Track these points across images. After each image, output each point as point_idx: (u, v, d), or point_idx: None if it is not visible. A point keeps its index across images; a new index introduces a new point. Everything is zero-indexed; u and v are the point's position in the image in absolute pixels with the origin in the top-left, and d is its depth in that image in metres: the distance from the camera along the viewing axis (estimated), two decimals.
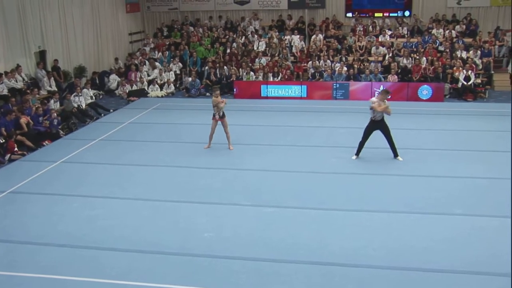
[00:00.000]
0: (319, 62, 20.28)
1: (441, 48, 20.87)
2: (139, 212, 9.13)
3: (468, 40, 21.49)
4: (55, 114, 14.73)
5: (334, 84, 18.57)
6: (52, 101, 16.02)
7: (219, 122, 12.55)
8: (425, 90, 18.04)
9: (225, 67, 20.72)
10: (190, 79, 20.28)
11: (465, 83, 18.38)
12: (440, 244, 7.72)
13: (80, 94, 16.96)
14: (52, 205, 9.50)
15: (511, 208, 8.46)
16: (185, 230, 8.34)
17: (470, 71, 18.50)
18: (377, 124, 11.51)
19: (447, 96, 18.58)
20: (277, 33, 23.14)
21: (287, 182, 10.45)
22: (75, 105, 16.37)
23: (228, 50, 22.35)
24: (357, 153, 11.73)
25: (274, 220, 8.68)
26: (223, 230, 8.31)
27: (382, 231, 8.18)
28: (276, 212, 8.98)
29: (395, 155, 11.66)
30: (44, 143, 13.76)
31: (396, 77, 19.04)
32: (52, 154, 12.72)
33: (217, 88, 12.75)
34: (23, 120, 13.87)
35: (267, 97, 18.86)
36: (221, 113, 12.44)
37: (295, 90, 18.86)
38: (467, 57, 19.68)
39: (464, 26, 22.38)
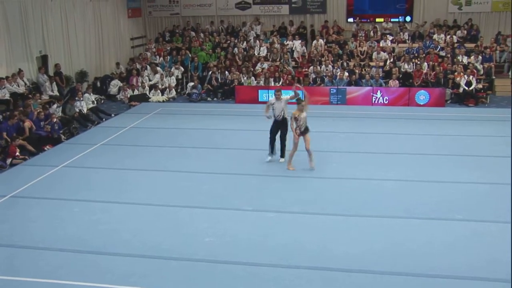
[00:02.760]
0: (320, 67, 20.31)
1: (442, 53, 20.89)
2: (140, 216, 9.13)
3: (469, 45, 21.52)
4: (55, 119, 14.72)
5: (332, 89, 18.56)
6: (54, 106, 16.04)
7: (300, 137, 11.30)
8: (422, 95, 18.03)
9: (226, 72, 20.75)
10: (193, 83, 20.32)
11: (466, 88, 18.39)
12: (441, 249, 7.71)
13: (81, 98, 17.00)
14: (53, 209, 9.51)
15: (511, 213, 8.45)
16: (186, 235, 8.34)
17: (471, 76, 18.50)
18: (279, 124, 11.77)
19: (448, 101, 18.58)
20: (278, 38, 23.21)
21: (288, 187, 10.46)
22: (77, 109, 16.40)
23: (230, 55, 22.38)
24: (272, 152, 11.89)
25: (275, 225, 8.68)
26: (224, 235, 8.31)
27: (384, 236, 8.17)
28: (277, 217, 8.97)
29: (282, 155, 11.91)
30: (45, 148, 13.76)
31: (397, 82, 19.05)
32: (53, 158, 12.74)
33: (300, 99, 11.43)
34: (27, 124, 13.90)
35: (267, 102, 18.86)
36: (302, 128, 11.15)
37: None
38: (469, 62, 19.70)
39: (465, 32, 22.43)
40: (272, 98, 11.99)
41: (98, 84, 20.75)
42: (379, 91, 18.29)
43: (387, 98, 18.21)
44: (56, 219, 9.08)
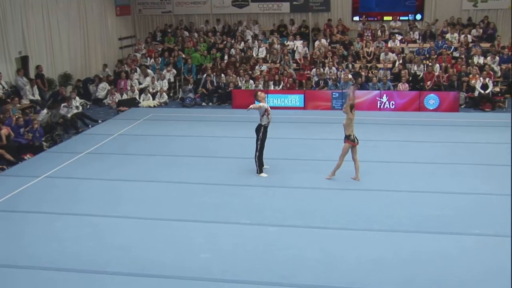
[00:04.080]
0: (323, 70, 20.38)
1: (456, 54, 20.98)
2: (130, 231, 9.13)
3: (485, 45, 21.62)
4: (37, 126, 14.70)
5: (334, 94, 18.58)
6: (44, 111, 16.04)
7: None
8: (432, 100, 18.08)
9: (222, 75, 20.80)
10: (189, 87, 20.36)
11: (482, 91, 18.45)
12: (455, 266, 7.73)
13: (70, 106, 16.99)
14: (34, 224, 9.50)
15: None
16: (180, 251, 8.34)
17: (487, 79, 18.57)
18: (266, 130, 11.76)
19: (462, 106, 18.64)
20: (278, 38, 23.30)
21: (289, 199, 10.48)
22: (62, 113, 16.38)
23: (226, 57, 22.47)
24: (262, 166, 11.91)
25: (275, 239, 8.69)
26: (221, 251, 8.33)
27: (393, 252, 8.19)
28: (278, 231, 8.99)
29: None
30: (25, 157, 13.77)
31: (407, 85, 19.12)
32: (34, 168, 12.74)
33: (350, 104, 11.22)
34: (4, 131, 13.89)
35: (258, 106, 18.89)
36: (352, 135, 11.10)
37: (292, 99, 18.92)
38: (485, 64, 19.77)
39: (481, 30, 22.53)
40: (263, 104, 11.58)
41: (81, 87, 20.76)
42: (385, 95, 18.31)
43: (393, 103, 18.26)
44: (36, 234, 9.06)
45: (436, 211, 9.66)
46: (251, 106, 11.63)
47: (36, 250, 8.49)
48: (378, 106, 18.33)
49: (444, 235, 8.72)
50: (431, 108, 18.03)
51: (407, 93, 18.60)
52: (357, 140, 11.19)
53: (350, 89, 11.99)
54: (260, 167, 11.83)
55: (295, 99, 18.91)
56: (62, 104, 16.79)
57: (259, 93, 11.96)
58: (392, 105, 18.27)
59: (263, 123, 11.59)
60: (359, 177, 11.33)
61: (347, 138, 11.14)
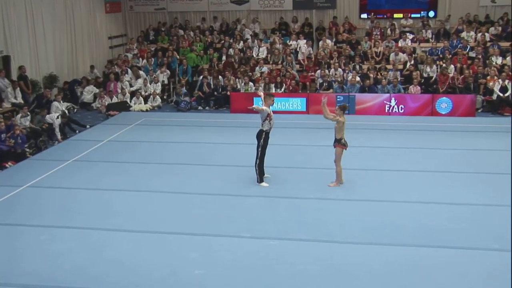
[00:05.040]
0: (328, 71, 20.40)
1: (472, 54, 21.00)
2: (119, 245, 9.11)
3: (504, 44, 21.62)
4: (18, 132, 14.68)
5: (338, 97, 18.54)
6: (19, 115, 16.05)
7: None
8: (444, 103, 18.09)
9: (219, 76, 20.82)
10: (183, 90, 20.42)
11: (501, 94, 18.48)
12: (474, 285, 7.68)
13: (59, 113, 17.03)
14: (15, 237, 9.47)
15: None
16: (173, 267, 8.32)
17: (507, 81, 18.59)
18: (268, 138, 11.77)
19: (479, 110, 18.66)
20: (280, 37, 23.33)
21: (292, 210, 10.47)
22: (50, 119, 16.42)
23: (224, 57, 22.50)
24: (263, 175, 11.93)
25: (278, 254, 8.67)
26: (218, 267, 8.30)
27: (404, 267, 8.16)
28: (280, 245, 8.96)
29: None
30: (6, 165, 13.78)
31: (418, 88, 19.14)
32: (16, 177, 12.73)
33: (344, 105, 11.70)
34: None
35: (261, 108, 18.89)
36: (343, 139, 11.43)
37: (294, 103, 18.94)
38: (504, 64, 19.81)
39: (500, 28, 22.55)
40: (266, 108, 11.54)
41: (67, 89, 20.79)
42: (393, 98, 18.31)
43: (402, 107, 18.26)
44: (18, 248, 9.03)
45: (450, 224, 9.64)
46: (254, 106, 11.80)
47: (17, 266, 8.45)
48: (386, 110, 18.33)
49: (459, 249, 8.68)
50: (443, 113, 18.04)
51: (419, 97, 18.63)
52: (347, 144, 11.44)
53: (324, 98, 12.02)
54: (260, 176, 11.83)
55: (297, 102, 18.93)
56: (51, 111, 16.78)
57: (273, 97, 12.00)
58: (401, 109, 18.27)
59: (264, 129, 11.59)
60: (339, 183, 11.58)
61: (338, 141, 11.39)
